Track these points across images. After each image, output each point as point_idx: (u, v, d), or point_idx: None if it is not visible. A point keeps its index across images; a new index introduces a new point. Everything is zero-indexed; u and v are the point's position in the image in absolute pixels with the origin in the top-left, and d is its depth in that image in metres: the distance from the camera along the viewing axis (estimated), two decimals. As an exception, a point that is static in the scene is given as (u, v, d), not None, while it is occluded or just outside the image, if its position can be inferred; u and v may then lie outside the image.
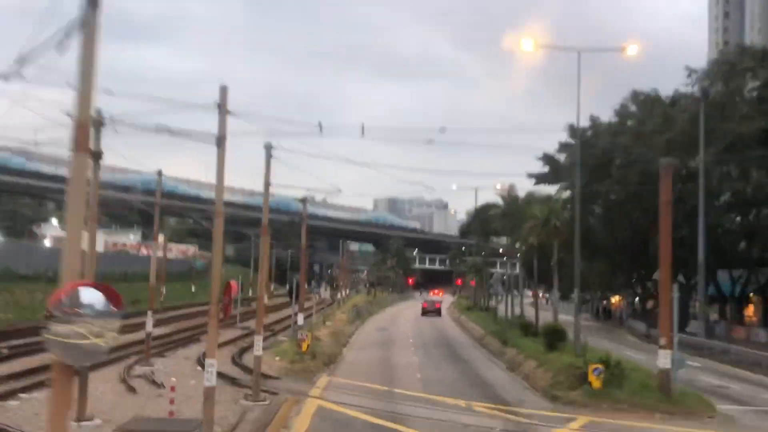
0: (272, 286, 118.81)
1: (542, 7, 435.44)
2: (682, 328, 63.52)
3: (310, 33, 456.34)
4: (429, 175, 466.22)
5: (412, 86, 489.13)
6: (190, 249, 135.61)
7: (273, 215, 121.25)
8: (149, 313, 30.45)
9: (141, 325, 36.95)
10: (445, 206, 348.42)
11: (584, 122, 59.01)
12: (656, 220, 24.19)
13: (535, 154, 56.56)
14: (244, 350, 38.84)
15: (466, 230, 62.69)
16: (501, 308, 60.44)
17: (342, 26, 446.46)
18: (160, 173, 34.88)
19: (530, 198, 41.82)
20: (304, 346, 33.51)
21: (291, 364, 32.01)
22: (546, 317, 43.46)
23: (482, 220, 56.13)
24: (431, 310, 77.22)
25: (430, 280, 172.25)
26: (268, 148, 23.77)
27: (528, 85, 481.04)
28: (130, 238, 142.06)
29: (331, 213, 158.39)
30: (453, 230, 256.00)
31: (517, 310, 56.02)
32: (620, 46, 33.58)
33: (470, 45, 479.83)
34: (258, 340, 24.18)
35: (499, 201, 62.04)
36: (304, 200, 37.58)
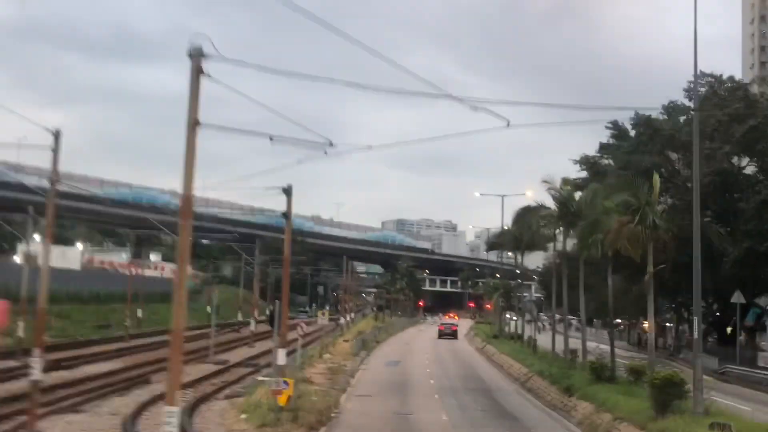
0: (264, 309, 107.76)
1: (553, 30, 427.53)
2: (752, 361, 52.21)
3: (318, 52, 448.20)
4: (438, 196, 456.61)
5: (418, 108, 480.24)
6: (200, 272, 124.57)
7: (272, 233, 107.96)
8: (35, 352, 18.69)
9: (89, 357, 27.63)
10: (454, 228, 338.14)
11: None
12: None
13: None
14: (202, 399, 27.62)
15: (493, 245, 51.56)
16: (535, 336, 49.28)
17: (349, 47, 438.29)
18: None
19: (606, 188, 30.89)
20: (283, 399, 22.13)
21: (260, 429, 20.74)
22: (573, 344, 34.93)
23: (519, 227, 45.44)
24: (447, 333, 75.06)
25: (441, 303, 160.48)
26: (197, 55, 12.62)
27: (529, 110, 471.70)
28: (123, 257, 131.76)
29: (336, 232, 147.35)
30: (463, 252, 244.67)
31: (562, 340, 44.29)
32: None
33: (476, 67, 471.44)
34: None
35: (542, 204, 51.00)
36: (288, 192, 26.24)
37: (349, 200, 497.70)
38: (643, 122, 47.54)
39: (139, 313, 67.51)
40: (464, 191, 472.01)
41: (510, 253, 53.27)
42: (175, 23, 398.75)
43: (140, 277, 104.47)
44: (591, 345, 38.87)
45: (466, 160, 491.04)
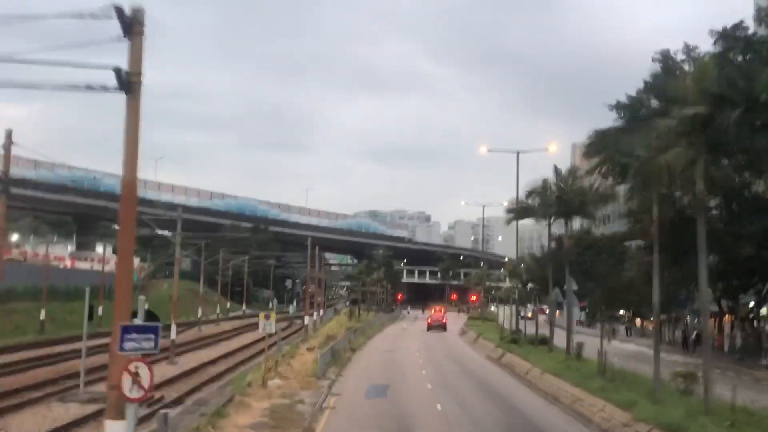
0: (226, 305, 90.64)
1: (522, 18, 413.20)
2: None
3: (287, 44, 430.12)
4: (409, 188, 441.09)
5: (388, 100, 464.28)
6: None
7: (234, 221, 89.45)
8: None
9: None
10: (427, 219, 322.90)
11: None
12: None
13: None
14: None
15: (523, 212, 35.75)
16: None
17: (318, 39, 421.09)
18: None
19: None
20: None
21: None
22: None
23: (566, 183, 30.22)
24: (437, 326, 71.55)
25: (421, 296, 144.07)
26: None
27: (501, 99, 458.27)
28: (68, 249, 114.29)
29: (305, 219, 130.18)
30: (437, 243, 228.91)
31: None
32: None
33: (445, 58, 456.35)
34: None
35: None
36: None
37: (319, 194, 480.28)
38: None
39: (42, 314, 51.05)
40: (435, 183, 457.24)
41: (544, 222, 36.69)
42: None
43: (68, 271, 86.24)
44: (628, 348, 31.16)
45: (435, 151, 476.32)
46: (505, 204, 46.67)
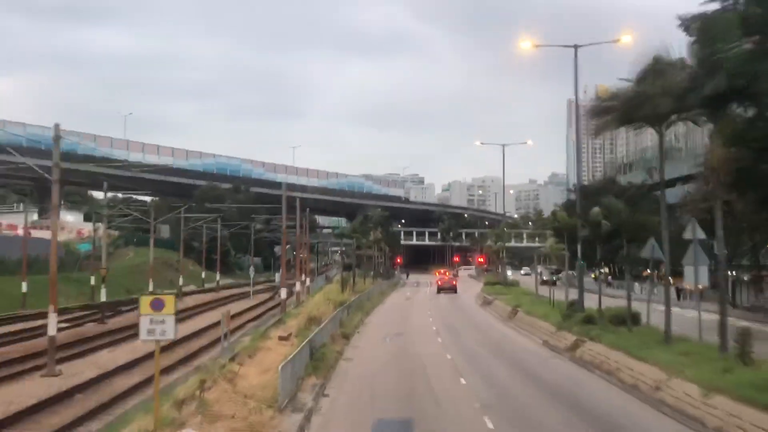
0: (215, 275, 76.43)
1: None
2: None
3: (272, 9, 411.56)
4: (402, 152, 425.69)
5: (377, 63, 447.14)
6: (98, 229, 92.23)
7: (213, 181, 73.64)
8: None
9: None
10: (421, 181, 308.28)
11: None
12: None
13: None
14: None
15: (605, 110, 22.99)
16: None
17: (304, 1, 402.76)
18: None
19: None
20: None
21: None
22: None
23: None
24: (447, 288, 68.17)
25: (420, 259, 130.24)
26: None
27: (490, 58, 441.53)
28: (35, 218, 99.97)
29: (293, 179, 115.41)
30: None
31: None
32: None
33: (434, 19, 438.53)
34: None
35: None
36: None
37: (310, 159, 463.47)
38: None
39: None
40: (428, 145, 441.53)
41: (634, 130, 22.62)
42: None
43: (28, 241, 72.42)
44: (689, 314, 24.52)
45: (429, 115, 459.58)
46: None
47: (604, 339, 22.61)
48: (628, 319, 24.46)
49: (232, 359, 22.61)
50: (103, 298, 39.25)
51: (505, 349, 26.40)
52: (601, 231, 27.98)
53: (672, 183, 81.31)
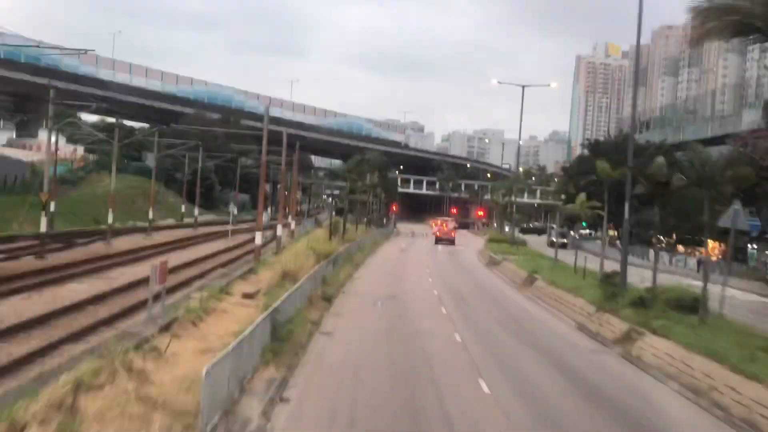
0: (195, 211, 69.87)
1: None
2: None
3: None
4: (405, 99, 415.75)
5: (386, 6, 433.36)
6: (74, 150, 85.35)
7: (201, 109, 65.92)
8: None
9: None
10: (421, 129, 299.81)
11: None
12: None
13: None
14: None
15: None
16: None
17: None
18: None
19: None
20: None
21: None
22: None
23: None
24: (445, 239, 66.16)
25: (416, 209, 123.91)
26: None
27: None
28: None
29: (288, 115, 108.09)
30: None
31: None
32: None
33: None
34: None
35: None
36: None
37: (309, 98, 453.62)
38: None
39: None
40: (430, 94, 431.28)
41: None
42: None
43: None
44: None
45: (433, 63, 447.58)
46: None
47: (674, 334, 16.28)
48: (702, 306, 18.10)
49: (167, 328, 16.32)
50: (42, 228, 32.74)
51: (531, 334, 20.05)
52: (671, 188, 21.29)
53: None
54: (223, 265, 34.92)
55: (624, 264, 23.25)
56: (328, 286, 25.70)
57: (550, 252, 52.81)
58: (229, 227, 52.21)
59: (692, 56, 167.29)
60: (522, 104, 46.62)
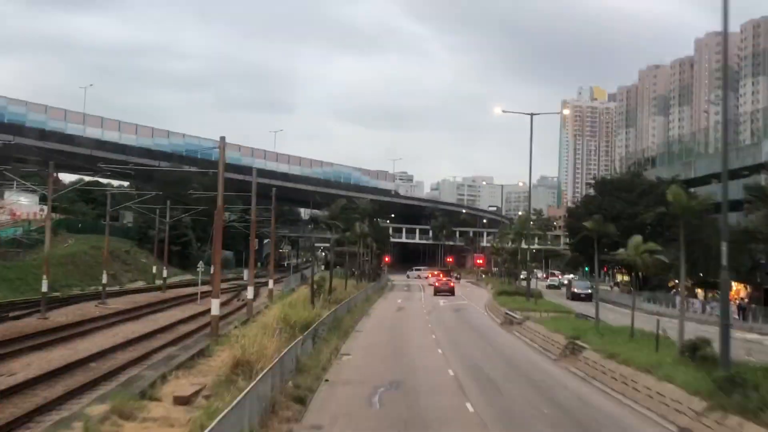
0: (160, 270, 61.99)
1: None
2: None
3: (264, 2, 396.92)
4: (391, 150, 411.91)
5: (367, 59, 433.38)
6: (41, 210, 77.58)
7: (181, 164, 60.33)
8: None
9: None
10: (410, 179, 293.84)
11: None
12: None
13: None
14: None
15: None
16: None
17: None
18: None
19: None
20: None
21: None
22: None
23: None
24: (444, 290, 61.29)
25: (408, 258, 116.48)
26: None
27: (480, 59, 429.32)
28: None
29: (272, 166, 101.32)
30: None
31: None
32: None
33: (424, 17, 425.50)
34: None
35: None
36: None
37: (297, 153, 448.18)
38: None
39: None
40: (416, 144, 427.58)
41: None
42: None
43: None
44: None
45: (417, 113, 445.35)
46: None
47: None
48: None
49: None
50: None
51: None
52: None
53: (707, 180, 67.49)
54: (177, 340, 27.26)
55: (726, 332, 15.79)
56: (304, 374, 18.07)
57: (573, 305, 45.39)
58: (199, 289, 44.56)
59: (682, 95, 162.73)
60: (531, 134, 40.00)
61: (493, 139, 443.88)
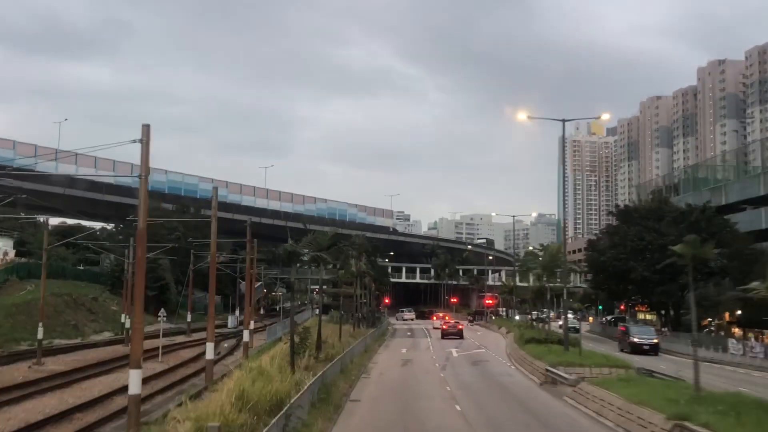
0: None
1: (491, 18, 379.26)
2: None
3: (258, 47, 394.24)
4: (386, 190, 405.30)
5: (360, 101, 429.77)
6: (6, 254, 69.11)
7: (163, 202, 50.41)
8: None
9: None
10: (407, 218, 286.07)
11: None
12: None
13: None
14: None
15: None
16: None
17: (290, 41, 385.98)
18: None
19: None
20: None
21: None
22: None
23: None
24: (452, 333, 58.32)
25: (409, 299, 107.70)
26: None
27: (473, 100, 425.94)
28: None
29: (261, 203, 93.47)
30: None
31: None
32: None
33: (418, 59, 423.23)
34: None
35: None
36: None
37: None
38: None
39: None
40: (412, 184, 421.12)
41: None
42: (108, 14, 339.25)
43: None
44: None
45: (411, 153, 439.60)
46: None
47: None
48: None
49: None
50: None
51: None
52: None
53: (738, 206, 59.30)
54: (99, 423, 18.81)
55: None
56: None
57: (626, 356, 37.06)
58: (160, 343, 35.95)
59: (686, 125, 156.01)
60: (563, 139, 32.44)
61: (489, 179, 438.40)
